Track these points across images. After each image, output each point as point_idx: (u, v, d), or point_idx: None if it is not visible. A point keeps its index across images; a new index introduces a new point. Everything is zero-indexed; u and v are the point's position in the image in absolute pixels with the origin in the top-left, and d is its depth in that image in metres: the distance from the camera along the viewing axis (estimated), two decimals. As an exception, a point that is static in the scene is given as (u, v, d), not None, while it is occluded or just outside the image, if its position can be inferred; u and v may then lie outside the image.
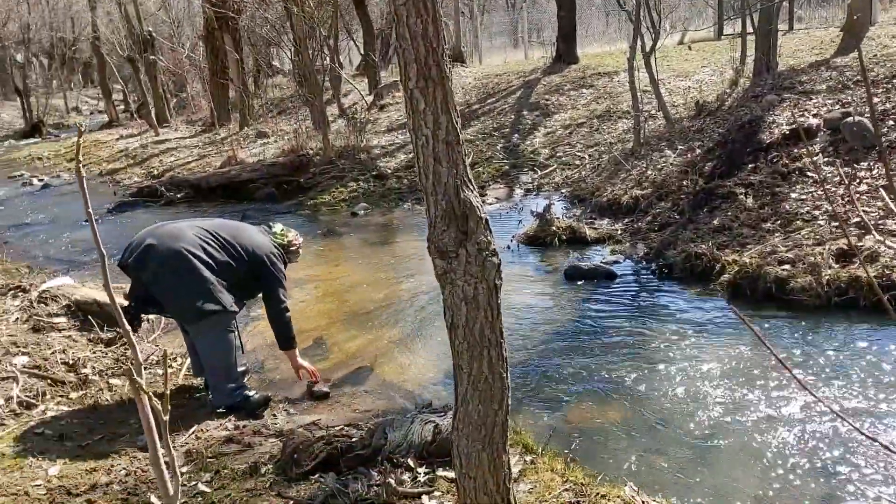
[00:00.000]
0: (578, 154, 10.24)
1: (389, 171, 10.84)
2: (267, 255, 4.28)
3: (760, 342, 4.21)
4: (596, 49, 18.67)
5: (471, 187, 1.97)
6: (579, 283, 6.08)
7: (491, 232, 2.04)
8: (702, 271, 5.83)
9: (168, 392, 1.30)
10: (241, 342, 4.59)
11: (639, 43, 9.47)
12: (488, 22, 27.35)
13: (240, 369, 4.46)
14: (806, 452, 3.39)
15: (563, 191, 9.15)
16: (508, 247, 7.25)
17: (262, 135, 15.05)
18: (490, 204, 9.20)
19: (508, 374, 2.31)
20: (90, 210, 1.37)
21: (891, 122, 7.03)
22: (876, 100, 7.66)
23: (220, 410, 4.15)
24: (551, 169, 9.99)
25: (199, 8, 20.63)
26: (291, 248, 4.60)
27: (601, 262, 6.38)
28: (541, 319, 5.40)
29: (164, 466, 1.26)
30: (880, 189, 5.65)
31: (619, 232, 7.22)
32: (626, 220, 7.48)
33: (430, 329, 5.27)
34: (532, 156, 10.70)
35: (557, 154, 10.52)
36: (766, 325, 4.86)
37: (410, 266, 6.83)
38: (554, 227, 7.25)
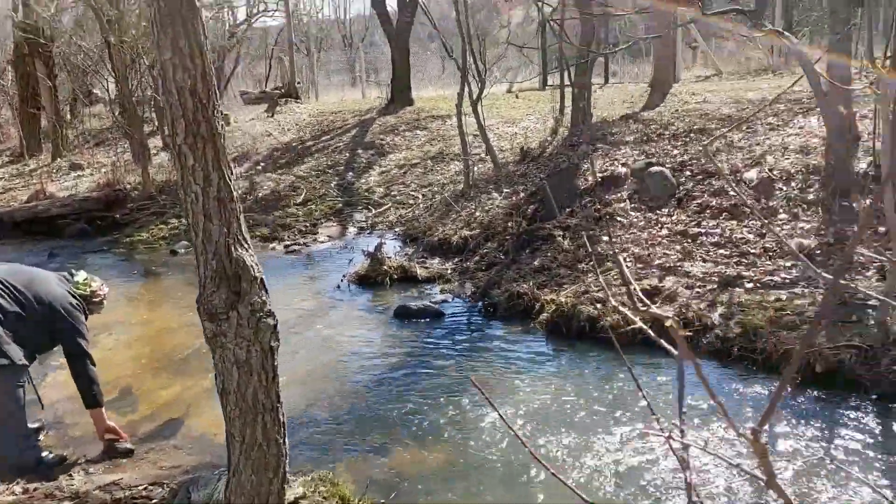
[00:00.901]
0: (412, 193, 10.41)
1: (217, 209, 10.43)
2: (63, 306, 3.93)
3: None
4: (431, 92, 19.16)
5: (245, 246, 1.89)
6: (409, 322, 6.11)
7: (266, 291, 1.97)
8: (523, 310, 6.06)
9: None
10: (38, 395, 4.24)
11: (466, 90, 9.83)
12: (326, 59, 27.35)
13: (33, 426, 4.09)
14: (617, 484, 3.57)
15: (397, 229, 9.24)
16: (339, 286, 7.18)
17: (76, 167, 14.01)
18: (322, 242, 9.10)
19: (286, 440, 2.21)
20: None
21: (688, 173, 7.73)
22: (675, 151, 8.42)
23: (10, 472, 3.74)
24: (385, 207, 10.07)
25: (9, 30, 18.97)
26: (94, 300, 4.25)
27: (430, 302, 6.46)
28: (368, 361, 5.35)
29: None
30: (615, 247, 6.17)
31: (449, 271, 7.37)
32: (456, 259, 7.66)
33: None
34: (367, 194, 10.74)
35: (392, 193, 10.63)
36: (579, 361, 5.11)
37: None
38: (385, 267, 7.29)
